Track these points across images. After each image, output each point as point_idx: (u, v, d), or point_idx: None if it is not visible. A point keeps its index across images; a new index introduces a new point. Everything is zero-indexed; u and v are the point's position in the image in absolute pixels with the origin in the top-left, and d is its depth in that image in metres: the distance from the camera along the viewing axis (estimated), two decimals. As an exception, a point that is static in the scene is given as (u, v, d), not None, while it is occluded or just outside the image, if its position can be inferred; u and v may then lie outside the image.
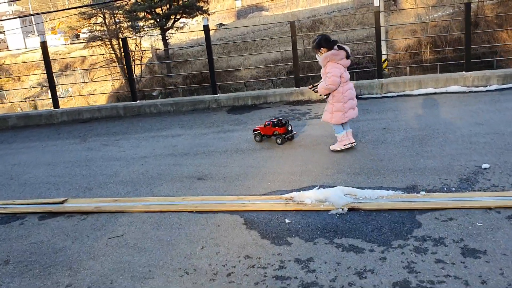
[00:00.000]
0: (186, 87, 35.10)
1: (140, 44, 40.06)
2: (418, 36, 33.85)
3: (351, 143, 5.08)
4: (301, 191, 4.04)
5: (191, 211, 3.96)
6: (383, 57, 32.17)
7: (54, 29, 53.73)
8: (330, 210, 3.70)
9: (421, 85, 7.57)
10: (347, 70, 5.08)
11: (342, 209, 3.68)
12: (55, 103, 8.49)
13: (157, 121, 7.70)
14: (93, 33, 40.48)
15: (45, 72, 8.32)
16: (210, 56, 8.06)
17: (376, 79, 7.81)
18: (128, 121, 7.90)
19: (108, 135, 7.10)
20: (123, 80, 39.52)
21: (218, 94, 8.19)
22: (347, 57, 4.94)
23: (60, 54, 43.97)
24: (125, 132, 7.14)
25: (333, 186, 4.14)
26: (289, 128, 5.70)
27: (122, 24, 39.55)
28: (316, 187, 4.10)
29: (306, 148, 5.38)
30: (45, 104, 41.47)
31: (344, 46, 4.93)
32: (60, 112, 8.38)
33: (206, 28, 7.97)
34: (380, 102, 7.26)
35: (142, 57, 40.80)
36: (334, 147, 5.12)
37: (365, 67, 34.42)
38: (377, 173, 4.41)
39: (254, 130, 5.83)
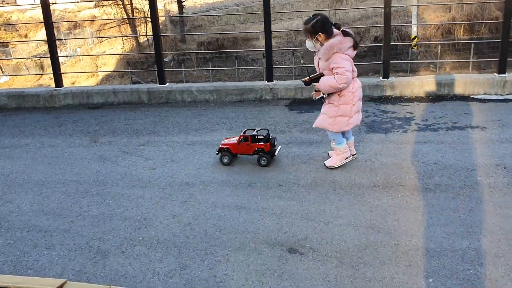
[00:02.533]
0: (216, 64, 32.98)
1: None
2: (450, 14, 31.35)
3: (352, 155, 3.98)
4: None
5: None
6: (413, 34, 29.79)
7: (64, -15, 50.88)
8: None
9: (562, 86, 5.47)
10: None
11: None
12: (58, 80, 6.45)
13: (193, 115, 5.66)
14: (105, -10, 37.98)
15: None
16: (268, 27, 5.93)
17: (497, 74, 5.69)
18: (154, 112, 5.86)
19: (128, 134, 5.09)
20: (133, 43, 37.26)
21: (275, 82, 6.11)
22: (355, 46, 3.62)
23: (69, 12, 41.54)
24: (151, 131, 5.12)
25: None
26: (275, 142, 4.09)
27: (136, -18, 37.03)
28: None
29: (450, 192, 3.35)
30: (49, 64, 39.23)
31: (349, 31, 3.62)
32: (63, 92, 6.35)
33: (265, -10, 5.84)
34: None
35: (155, 19, 38.38)
36: (330, 163, 3.86)
37: (395, 44, 31.94)
38: None
39: (221, 149, 4.07)
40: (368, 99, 5.80)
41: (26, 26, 42.66)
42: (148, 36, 37.16)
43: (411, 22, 30.83)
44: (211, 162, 4.16)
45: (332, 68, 3.58)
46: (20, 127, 5.59)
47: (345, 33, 3.57)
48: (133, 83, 33.17)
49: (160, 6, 41.23)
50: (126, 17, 36.69)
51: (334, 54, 3.55)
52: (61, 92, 6.34)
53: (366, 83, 5.85)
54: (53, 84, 6.53)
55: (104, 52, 37.83)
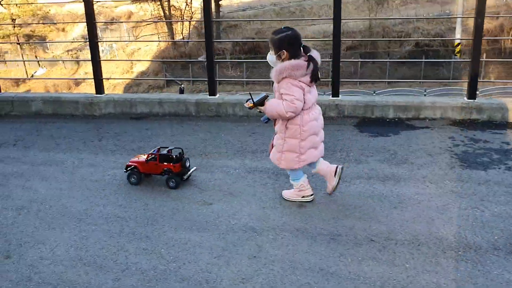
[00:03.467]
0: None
1: (191, 3, 37.33)
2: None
3: (312, 196, 3.45)
4: None
5: None
6: (456, 41, 28.45)
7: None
8: None
9: None
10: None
11: None
12: (99, 86, 5.89)
13: (247, 132, 4.99)
14: (143, -13, 37.93)
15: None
16: (337, 31, 5.17)
17: None
18: (203, 127, 5.22)
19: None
20: (169, 41, 36.97)
21: (341, 97, 5.38)
22: (314, 78, 3.13)
23: (106, 7, 41.67)
24: (202, 152, 4.47)
25: None
26: (188, 163, 3.79)
27: (174, -21, 36.76)
28: None
29: None
30: (87, 58, 39.36)
31: (316, 58, 3.13)
32: (104, 100, 5.79)
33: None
34: None
35: (191, 17, 38.17)
36: (286, 194, 3.50)
37: (436, 50, 30.65)
38: None
39: (128, 166, 3.80)
40: (451, 122, 5.01)
41: (63, 20, 43.01)
42: (183, 35, 36.91)
43: (454, 28, 29.53)
44: (277, 199, 3.47)
45: (282, 94, 3.13)
46: (56, 138, 5.03)
47: (311, 59, 3.10)
48: (168, 80, 32.89)
49: (196, 4, 40.86)
50: (162, 14, 36.48)
51: (284, 79, 3.11)
52: (102, 100, 5.77)
53: (448, 104, 5.07)
54: (86, 77, 5.97)
55: (139, 49, 37.71)
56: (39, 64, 39.44)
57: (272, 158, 3.39)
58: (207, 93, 5.68)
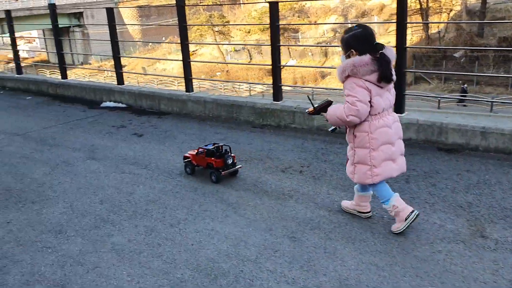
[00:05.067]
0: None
1: (453, -6, 33.76)
2: None
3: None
4: None
5: None
6: None
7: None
8: None
9: None
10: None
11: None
12: (400, 105, 4.66)
13: None
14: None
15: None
16: None
17: None
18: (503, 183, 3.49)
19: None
20: (422, 35, 34.31)
21: None
22: (383, 77, 2.75)
23: (360, 1, 41.15)
24: None
25: None
26: (229, 160, 3.84)
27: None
28: None
29: None
30: (335, 52, 39.63)
31: (388, 52, 2.76)
32: (404, 122, 4.54)
33: None
34: None
35: (451, 10, 34.62)
36: (395, 228, 2.92)
37: None
38: None
39: (185, 158, 4.10)
40: None
41: (316, 13, 44.28)
42: (439, 28, 33.68)
43: None
44: None
45: (345, 96, 2.81)
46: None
47: (382, 57, 2.70)
48: (415, 77, 30.43)
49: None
50: (419, 7, 33.86)
51: (348, 79, 2.78)
52: (402, 122, 4.54)
53: None
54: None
55: (389, 42, 36.05)
56: (290, 55, 41.49)
57: (347, 172, 3.05)
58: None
